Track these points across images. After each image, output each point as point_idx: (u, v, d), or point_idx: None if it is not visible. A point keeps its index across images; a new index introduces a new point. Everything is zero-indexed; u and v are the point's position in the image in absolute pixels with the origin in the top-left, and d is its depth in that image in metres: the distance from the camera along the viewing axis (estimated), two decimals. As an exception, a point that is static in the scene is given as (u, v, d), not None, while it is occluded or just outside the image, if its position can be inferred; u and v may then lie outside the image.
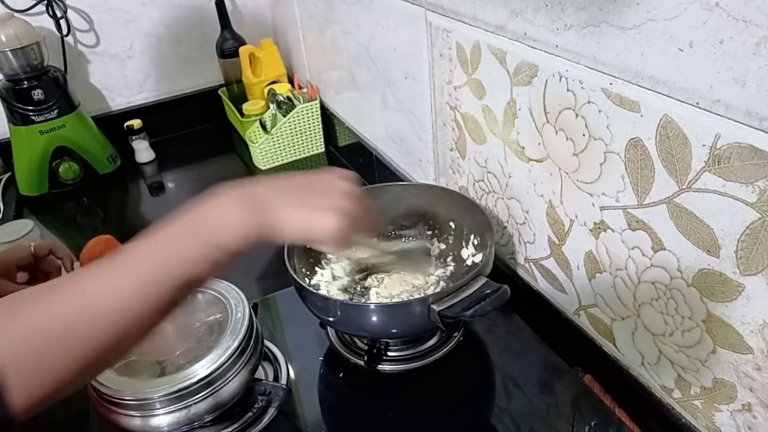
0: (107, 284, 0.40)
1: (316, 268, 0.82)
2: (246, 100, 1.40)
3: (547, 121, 0.62)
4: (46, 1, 1.27)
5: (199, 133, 1.55)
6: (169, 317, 0.43)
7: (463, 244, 0.82)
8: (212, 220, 0.44)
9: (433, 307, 0.62)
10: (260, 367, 0.73)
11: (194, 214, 0.44)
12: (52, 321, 0.38)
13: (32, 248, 0.72)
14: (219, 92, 1.52)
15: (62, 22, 1.29)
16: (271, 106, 1.29)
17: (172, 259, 0.41)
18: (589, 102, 0.55)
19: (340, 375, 0.74)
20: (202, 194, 0.45)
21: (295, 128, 1.29)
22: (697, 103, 0.45)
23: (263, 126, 1.28)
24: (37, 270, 0.73)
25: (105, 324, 0.39)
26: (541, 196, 0.68)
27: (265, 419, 0.67)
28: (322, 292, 0.78)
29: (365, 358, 0.72)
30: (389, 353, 0.74)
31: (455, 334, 0.76)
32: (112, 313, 0.39)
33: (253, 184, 0.47)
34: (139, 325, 0.40)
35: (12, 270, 0.70)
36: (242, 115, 1.35)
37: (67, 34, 1.32)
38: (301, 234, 0.47)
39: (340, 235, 0.46)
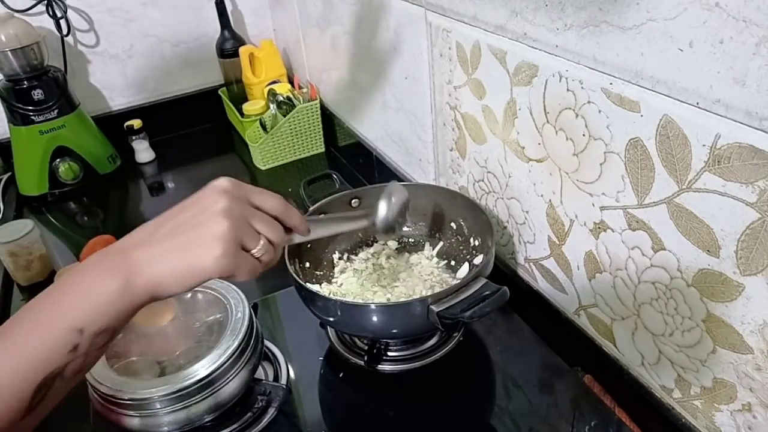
0: None
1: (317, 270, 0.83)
2: (246, 100, 1.40)
3: (547, 121, 0.62)
4: (46, 1, 1.27)
5: (199, 133, 1.55)
6: (42, 411, 0.40)
7: (464, 247, 0.82)
8: (75, 301, 0.39)
9: (432, 307, 0.62)
10: (260, 367, 0.73)
11: (59, 294, 0.40)
12: None
13: None
14: (219, 92, 1.52)
15: (62, 22, 1.29)
16: (271, 106, 1.29)
17: (30, 358, 0.38)
18: (589, 102, 0.55)
19: (340, 375, 0.74)
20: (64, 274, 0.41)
21: (295, 128, 1.29)
22: (697, 103, 0.45)
23: (263, 126, 1.28)
24: None
25: None
26: (541, 196, 0.68)
27: (265, 419, 0.67)
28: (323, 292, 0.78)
29: (365, 358, 0.72)
30: (389, 353, 0.74)
31: (455, 335, 0.76)
32: None
33: (120, 243, 0.43)
34: (7, 423, 0.37)
35: None
36: (242, 115, 1.35)
37: (67, 34, 1.32)
38: (186, 281, 0.42)
39: (226, 262, 0.42)
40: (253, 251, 0.45)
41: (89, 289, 0.40)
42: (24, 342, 0.38)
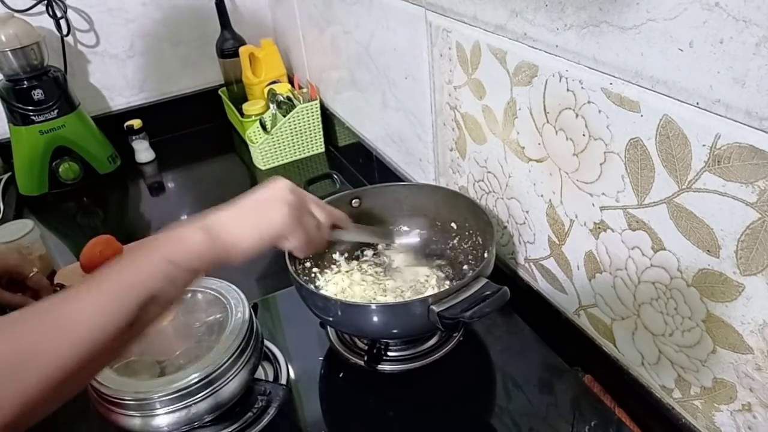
0: (77, 306, 0.42)
1: (316, 269, 0.83)
2: (246, 100, 1.40)
3: (547, 121, 0.62)
4: (46, 1, 1.27)
5: (199, 133, 1.55)
6: (138, 336, 0.45)
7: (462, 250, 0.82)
8: (170, 243, 0.49)
9: (433, 307, 0.62)
10: (260, 367, 0.73)
11: (156, 239, 0.50)
12: (20, 345, 0.39)
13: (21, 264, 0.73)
14: (219, 92, 1.52)
15: (62, 22, 1.29)
16: (271, 106, 1.29)
17: (134, 278, 0.45)
18: (589, 102, 0.55)
19: (340, 375, 0.74)
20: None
21: (295, 128, 1.29)
22: (697, 103, 0.45)
23: (263, 126, 1.28)
24: (24, 283, 0.73)
25: (74, 344, 0.40)
26: (541, 196, 0.68)
27: (265, 419, 0.67)
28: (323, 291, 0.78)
29: (365, 358, 0.72)
30: (389, 353, 0.74)
31: (455, 335, 0.76)
32: (81, 333, 0.41)
33: (208, 213, 0.53)
34: (109, 342, 0.42)
35: None
36: (242, 115, 1.35)
37: (67, 34, 1.32)
38: (256, 239, 0.53)
39: (291, 222, 0.55)
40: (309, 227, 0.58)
41: (181, 237, 0.50)
42: (130, 268, 0.47)
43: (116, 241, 0.96)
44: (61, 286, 0.81)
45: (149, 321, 0.46)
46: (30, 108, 1.22)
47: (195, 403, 0.59)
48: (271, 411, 0.68)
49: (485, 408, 0.68)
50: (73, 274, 0.88)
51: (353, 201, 0.86)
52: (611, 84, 0.52)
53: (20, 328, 0.40)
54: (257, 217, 0.54)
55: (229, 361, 0.61)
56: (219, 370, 0.60)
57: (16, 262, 0.72)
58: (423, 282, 0.80)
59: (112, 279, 0.45)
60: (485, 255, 0.72)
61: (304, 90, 1.32)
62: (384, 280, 0.81)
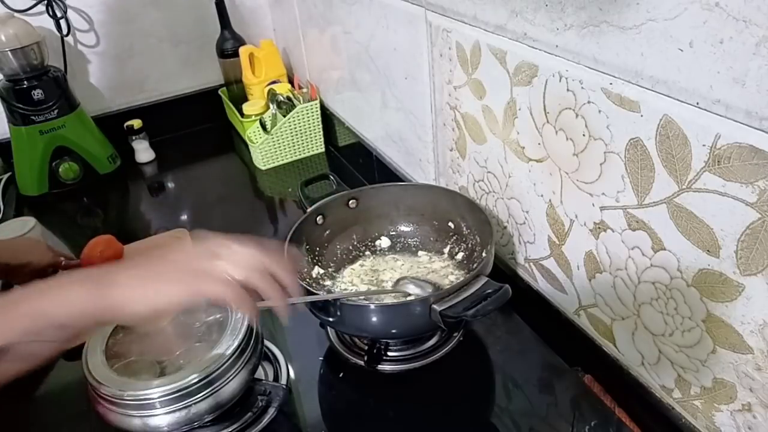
0: None
1: (317, 267, 0.83)
2: (246, 100, 1.40)
3: (547, 121, 0.62)
4: (46, 1, 1.27)
5: (199, 133, 1.55)
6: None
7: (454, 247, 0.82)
8: (49, 293, 0.47)
9: (435, 306, 0.62)
10: (260, 367, 0.73)
11: (38, 287, 0.47)
12: None
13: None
14: (219, 92, 1.52)
15: (62, 22, 1.29)
16: (271, 106, 1.29)
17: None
18: (589, 102, 0.55)
19: (340, 375, 0.74)
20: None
21: (295, 128, 1.29)
22: (697, 103, 0.45)
23: (263, 126, 1.28)
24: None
25: None
26: (541, 196, 0.68)
27: (265, 419, 0.67)
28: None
29: (365, 358, 0.72)
30: (389, 353, 0.74)
31: (455, 335, 0.76)
32: None
33: (108, 268, 0.50)
34: None
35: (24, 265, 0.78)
36: (242, 115, 1.35)
37: (67, 34, 1.32)
38: (151, 307, 0.48)
39: (189, 297, 0.48)
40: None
41: (63, 289, 0.47)
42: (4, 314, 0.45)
43: (117, 241, 0.96)
44: None
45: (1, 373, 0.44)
46: (30, 108, 1.22)
47: (195, 403, 0.59)
48: (271, 411, 0.68)
49: (485, 408, 0.68)
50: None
51: (350, 201, 0.86)
52: (611, 84, 0.52)
53: None
54: (157, 285, 0.49)
55: (229, 361, 0.61)
56: (219, 370, 0.60)
57: (47, 261, 0.78)
58: (423, 282, 0.80)
59: None
60: (484, 254, 0.72)
61: (304, 90, 1.32)
62: (384, 281, 0.81)
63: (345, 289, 0.80)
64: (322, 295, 0.72)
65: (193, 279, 0.49)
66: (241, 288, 0.50)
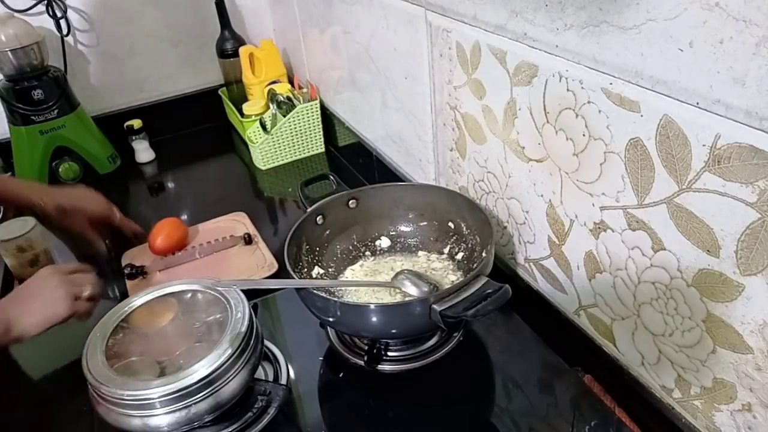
0: None
1: (316, 267, 0.83)
2: (246, 100, 1.40)
3: (547, 121, 0.62)
4: (46, 1, 1.27)
5: (199, 133, 1.55)
6: None
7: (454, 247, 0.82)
8: None
9: (435, 306, 0.62)
10: (260, 367, 0.73)
11: None
12: None
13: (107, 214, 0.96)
14: (219, 92, 1.52)
15: (62, 22, 1.29)
16: (271, 106, 1.29)
17: None
18: (589, 102, 0.55)
19: (340, 375, 0.74)
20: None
21: (295, 128, 1.29)
22: (697, 103, 0.45)
23: (263, 126, 1.28)
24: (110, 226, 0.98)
25: None
26: (541, 196, 0.68)
27: (265, 419, 0.67)
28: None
29: (365, 358, 0.72)
30: (389, 353, 0.74)
31: (455, 335, 0.76)
32: None
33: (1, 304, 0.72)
34: None
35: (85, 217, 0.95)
36: (242, 115, 1.35)
37: (67, 34, 1.32)
38: (42, 322, 0.71)
39: (71, 305, 0.73)
40: (84, 295, 0.76)
41: None
42: None
43: (183, 224, 1.02)
44: (131, 266, 0.96)
45: None
46: (30, 108, 1.22)
47: (195, 403, 0.59)
48: (271, 411, 0.68)
49: (485, 408, 0.68)
50: (141, 254, 1.01)
51: (350, 202, 0.86)
52: (611, 84, 0.52)
53: None
54: (38, 309, 0.71)
55: (229, 361, 0.61)
56: (219, 370, 0.60)
57: (102, 209, 0.90)
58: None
59: None
60: (484, 254, 0.72)
61: (304, 90, 1.32)
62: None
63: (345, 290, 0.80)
64: (315, 281, 0.78)
65: (54, 302, 0.72)
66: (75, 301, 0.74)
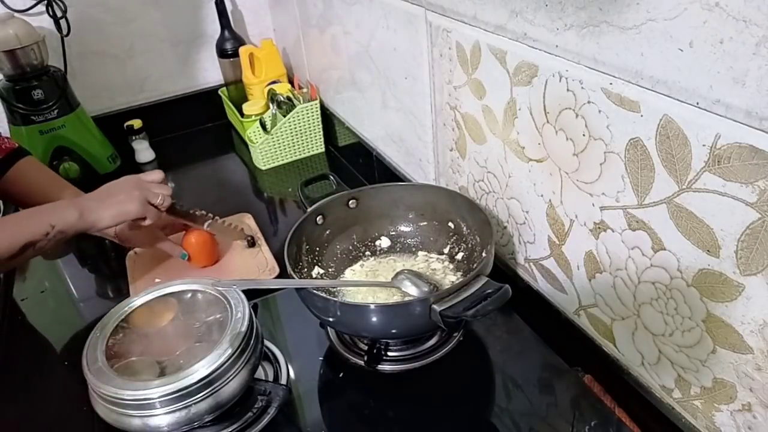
0: None
1: (316, 267, 0.83)
2: (246, 100, 1.40)
3: (547, 121, 0.62)
4: (46, 1, 1.27)
5: (199, 133, 1.55)
6: (14, 264, 0.76)
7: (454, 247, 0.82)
8: (54, 212, 0.76)
9: (435, 307, 0.62)
10: (260, 367, 0.73)
11: (47, 207, 0.77)
12: None
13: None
14: (219, 92, 1.52)
15: (62, 22, 1.29)
16: (271, 106, 1.29)
17: (24, 229, 0.73)
18: (589, 102, 0.55)
19: (340, 375, 0.74)
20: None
21: (295, 128, 1.29)
22: (697, 103, 0.45)
23: (263, 126, 1.28)
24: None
25: None
26: (541, 196, 0.68)
27: (265, 419, 0.67)
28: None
29: (365, 358, 0.72)
30: (389, 353, 0.74)
31: (455, 335, 0.76)
32: None
33: (83, 196, 0.83)
34: None
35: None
36: (242, 115, 1.35)
37: (67, 34, 1.32)
38: (115, 218, 0.80)
39: (140, 206, 0.80)
40: (156, 201, 0.84)
41: (62, 210, 0.77)
42: (24, 221, 0.75)
43: (210, 236, 1.01)
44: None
45: (25, 258, 0.74)
46: (30, 108, 1.22)
47: (195, 403, 0.59)
48: (271, 411, 0.68)
49: (485, 408, 0.68)
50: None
51: (350, 202, 0.86)
52: (611, 84, 0.52)
53: None
54: (114, 203, 0.79)
55: (229, 361, 0.61)
56: (219, 370, 0.60)
57: (151, 217, 0.87)
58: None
59: (10, 225, 0.74)
60: (484, 254, 0.72)
61: (304, 90, 1.32)
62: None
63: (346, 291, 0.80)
64: (315, 281, 0.78)
65: (129, 201, 0.80)
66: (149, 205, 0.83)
